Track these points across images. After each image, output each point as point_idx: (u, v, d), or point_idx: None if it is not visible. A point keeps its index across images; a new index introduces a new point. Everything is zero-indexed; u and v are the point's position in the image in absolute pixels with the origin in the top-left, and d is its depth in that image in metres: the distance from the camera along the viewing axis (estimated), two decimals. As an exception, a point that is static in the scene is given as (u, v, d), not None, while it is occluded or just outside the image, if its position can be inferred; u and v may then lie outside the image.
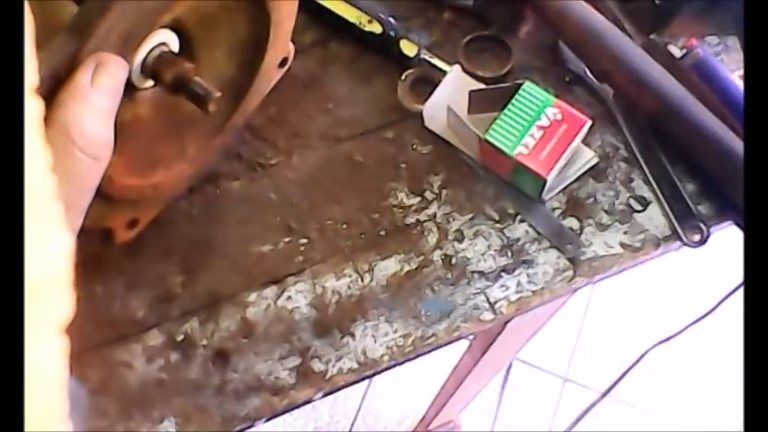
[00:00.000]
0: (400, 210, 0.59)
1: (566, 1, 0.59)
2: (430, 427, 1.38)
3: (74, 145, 0.33)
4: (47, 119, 0.33)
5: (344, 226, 0.58)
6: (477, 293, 0.56)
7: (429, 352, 0.56)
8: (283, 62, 0.54)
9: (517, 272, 0.57)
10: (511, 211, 0.59)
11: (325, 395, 0.54)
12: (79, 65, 0.35)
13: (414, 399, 1.50)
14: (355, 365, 0.54)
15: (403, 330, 0.55)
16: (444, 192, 0.60)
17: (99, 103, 0.34)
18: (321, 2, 0.63)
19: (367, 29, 0.62)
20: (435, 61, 0.62)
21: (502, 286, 0.57)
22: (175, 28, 0.44)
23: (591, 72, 0.63)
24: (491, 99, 0.59)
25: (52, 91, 0.35)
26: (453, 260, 0.57)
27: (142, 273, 0.55)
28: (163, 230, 0.57)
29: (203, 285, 0.56)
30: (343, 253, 0.57)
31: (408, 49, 0.62)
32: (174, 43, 0.44)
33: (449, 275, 0.57)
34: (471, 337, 1.01)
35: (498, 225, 0.59)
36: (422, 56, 0.62)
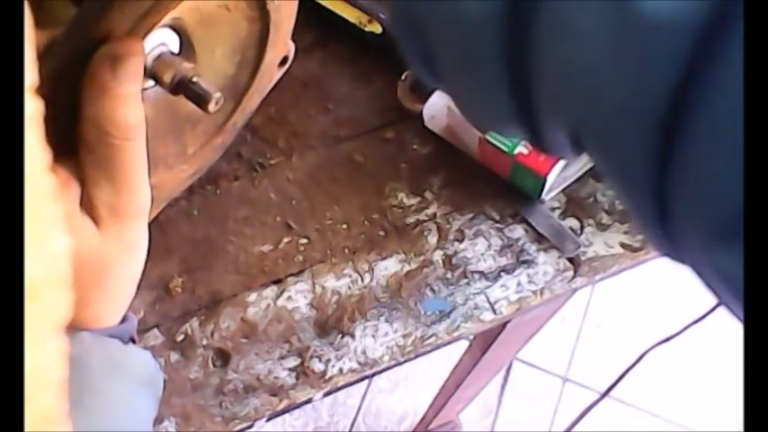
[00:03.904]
0: (400, 210, 0.59)
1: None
2: (430, 427, 1.38)
3: (108, 135, 0.36)
4: (81, 117, 0.36)
5: (344, 226, 0.58)
6: (477, 293, 0.56)
7: (429, 352, 0.56)
8: (284, 61, 0.54)
9: (517, 272, 0.57)
10: (511, 211, 0.59)
11: (325, 395, 0.54)
12: (88, 61, 0.36)
13: (414, 399, 1.50)
14: (355, 365, 0.54)
15: (403, 330, 0.55)
16: (444, 192, 0.60)
17: (123, 92, 0.36)
18: (321, 2, 0.63)
19: (367, 29, 0.62)
20: (435, 61, 0.62)
21: (502, 286, 0.57)
22: (175, 28, 0.44)
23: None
24: (491, 99, 0.59)
25: (53, 91, 0.35)
26: (453, 260, 0.57)
27: (142, 273, 0.55)
28: (163, 230, 0.57)
29: (203, 285, 0.56)
30: (343, 253, 0.57)
31: (408, 49, 0.62)
32: (173, 43, 0.44)
33: (449, 275, 0.57)
34: (471, 337, 1.01)
35: (498, 225, 0.59)
36: (422, 56, 0.62)
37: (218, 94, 0.43)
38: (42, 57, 0.34)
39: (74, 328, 0.38)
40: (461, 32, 0.21)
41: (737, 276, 0.18)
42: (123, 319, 0.41)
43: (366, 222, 0.58)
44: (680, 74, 0.17)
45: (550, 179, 0.56)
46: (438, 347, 0.56)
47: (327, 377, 0.54)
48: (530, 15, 0.19)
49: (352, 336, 0.55)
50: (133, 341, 0.41)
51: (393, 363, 0.55)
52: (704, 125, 0.17)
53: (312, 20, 0.63)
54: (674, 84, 0.17)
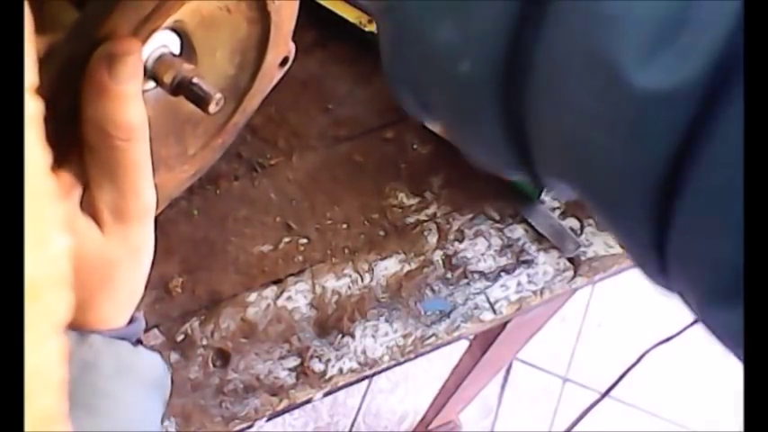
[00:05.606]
0: (400, 210, 0.59)
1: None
2: (430, 427, 1.38)
3: (110, 136, 0.35)
4: (83, 119, 0.36)
5: (344, 226, 0.58)
6: (477, 293, 0.56)
7: (429, 352, 0.56)
8: (284, 61, 0.54)
9: (517, 272, 0.57)
10: (511, 211, 0.59)
11: (326, 395, 0.54)
12: (87, 63, 0.35)
13: (414, 399, 1.50)
14: (355, 365, 0.54)
15: (403, 330, 0.55)
16: (444, 192, 0.60)
17: (121, 91, 0.35)
18: (321, 2, 0.63)
19: (367, 29, 0.62)
20: (435, 61, 0.62)
21: (502, 286, 0.57)
22: (176, 29, 0.44)
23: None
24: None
25: (55, 95, 0.35)
26: (453, 260, 0.57)
27: (142, 273, 0.56)
28: (163, 230, 0.56)
29: (203, 285, 0.56)
30: (343, 253, 0.57)
31: (408, 49, 0.62)
32: (174, 45, 0.44)
33: (449, 275, 0.57)
34: (471, 337, 1.01)
35: (498, 225, 0.59)
36: (422, 56, 0.62)
37: (218, 95, 0.43)
38: (44, 60, 0.34)
39: (82, 330, 0.37)
40: (458, 92, 0.21)
41: (737, 331, 0.18)
42: (131, 320, 0.41)
43: (366, 222, 0.58)
44: (675, 146, 0.17)
45: (550, 179, 0.57)
46: (438, 347, 0.56)
47: (327, 377, 0.54)
48: (523, 86, 0.20)
49: (352, 336, 0.55)
50: (139, 342, 0.41)
51: (393, 363, 0.55)
52: (701, 195, 0.17)
53: (312, 20, 0.63)
54: (670, 155, 0.17)
